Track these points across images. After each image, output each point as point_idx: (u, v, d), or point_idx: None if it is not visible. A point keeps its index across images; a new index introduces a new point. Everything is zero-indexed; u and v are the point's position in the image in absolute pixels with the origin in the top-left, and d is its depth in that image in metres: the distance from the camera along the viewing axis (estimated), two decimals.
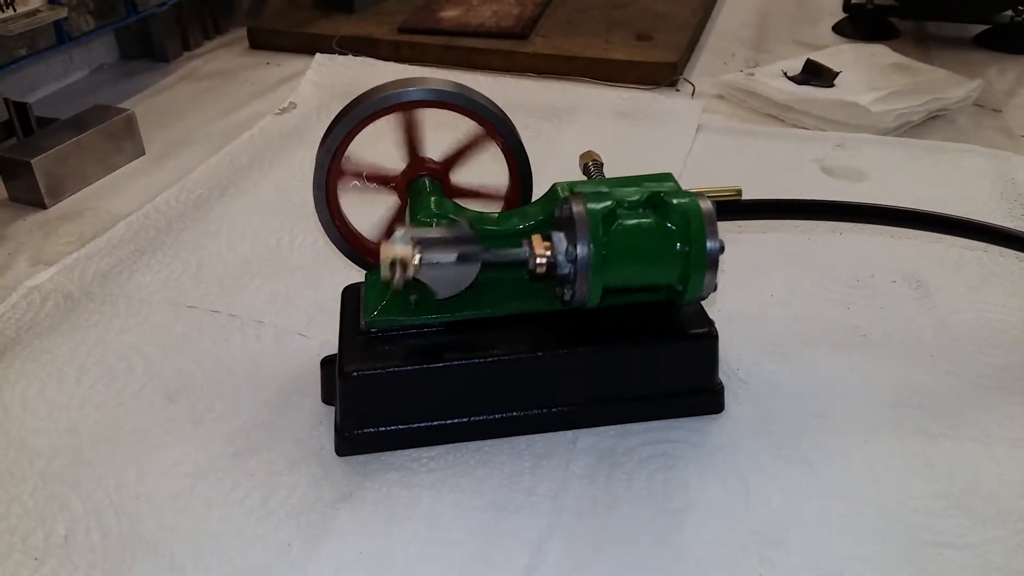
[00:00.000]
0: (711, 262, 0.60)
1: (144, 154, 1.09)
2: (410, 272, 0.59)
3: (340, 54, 1.30)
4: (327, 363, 0.66)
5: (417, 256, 0.59)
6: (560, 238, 0.59)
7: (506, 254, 0.61)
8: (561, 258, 0.59)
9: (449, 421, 0.63)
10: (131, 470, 0.61)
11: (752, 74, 1.18)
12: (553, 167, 0.74)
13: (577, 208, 0.60)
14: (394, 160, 0.68)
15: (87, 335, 0.75)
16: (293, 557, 0.55)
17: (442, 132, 0.70)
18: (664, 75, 1.22)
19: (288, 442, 0.63)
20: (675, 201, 0.61)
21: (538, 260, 0.59)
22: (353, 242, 0.70)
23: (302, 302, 0.77)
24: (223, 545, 0.56)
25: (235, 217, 0.91)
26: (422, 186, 0.68)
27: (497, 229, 0.65)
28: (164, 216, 0.92)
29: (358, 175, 0.68)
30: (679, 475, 0.61)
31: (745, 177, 0.77)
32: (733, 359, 0.70)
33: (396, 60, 1.29)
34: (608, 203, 0.60)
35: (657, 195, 0.62)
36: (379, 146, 0.68)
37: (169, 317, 0.77)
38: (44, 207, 0.99)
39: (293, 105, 1.13)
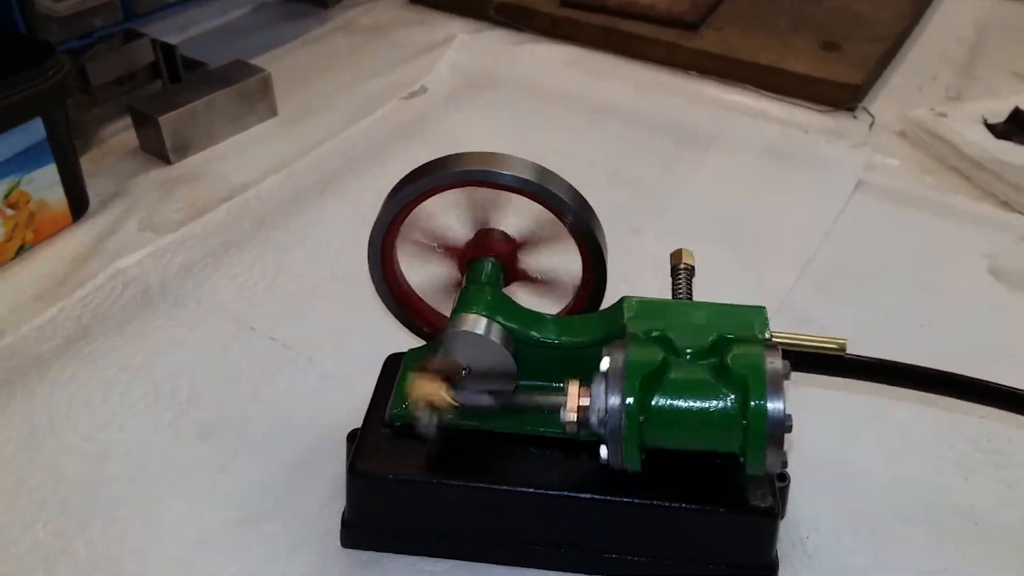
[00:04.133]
0: (772, 437, 0.50)
1: (276, 116, 1.07)
2: (444, 414, 0.54)
3: (495, 22, 1.23)
4: (351, 439, 0.62)
5: (448, 397, 0.54)
6: (600, 392, 0.52)
7: (540, 401, 0.55)
8: (595, 418, 0.51)
9: (461, 540, 0.59)
10: (141, 518, 0.61)
11: (944, 114, 1.01)
12: (675, 211, 0.65)
13: (615, 360, 0.52)
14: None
15: (148, 341, 0.75)
16: None
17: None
18: (843, 98, 1.07)
19: (297, 517, 0.61)
20: (737, 352, 0.52)
21: (569, 417, 0.52)
22: (407, 305, 0.65)
23: (359, 344, 0.73)
24: None
25: (325, 223, 0.88)
26: (482, 270, 0.61)
27: (543, 340, 0.58)
28: (264, 205, 0.90)
29: (420, 239, 0.63)
30: None
31: (894, 265, 0.65)
32: (806, 521, 0.61)
33: (552, 36, 1.21)
34: (656, 356, 0.52)
35: (725, 340, 0.53)
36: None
37: (229, 335, 0.76)
38: (168, 162, 1.00)
39: (424, 89, 1.07)
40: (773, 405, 0.50)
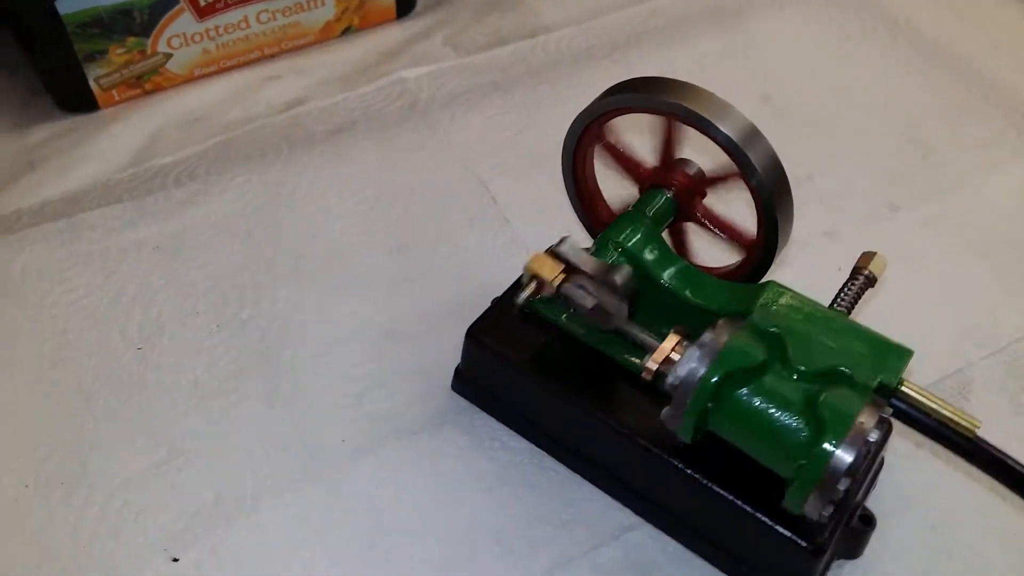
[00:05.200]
0: (822, 484, 0.48)
1: None
2: (544, 292, 0.57)
3: None
4: (494, 304, 0.67)
5: (556, 283, 0.56)
6: (689, 357, 0.52)
7: (638, 337, 0.55)
8: (671, 377, 0.52)
9: (537, 429, 0.63)
10: (316, 298, 0.73)
11: None
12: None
13: (718, 337, 0.51)
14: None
15: (389, 154, 0.83)
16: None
17: None
18: None
19: (433, 348, 0.68)
20: (840, 393, 0.49)
21: (650, 364, 0.53)
22: (587, 201, 0.67)
23: (558, 223, 0.76)
24: None
25: (592, 91, 0.90)
26: (653, 200, 0.61)
27: (669, 288, 0.58)
28: (548, 56, 0.93)
29: (612, 147, 0.63)
30: None
31: None
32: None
33: None
34: (758, 356, 0.50)
35: (839, 374, 0.50)
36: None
37: (453, 174, 0.82)
38: None
39: None
40: (840, 457, 0.48)
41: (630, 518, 0.61)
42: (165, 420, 0.65)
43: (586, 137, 0.64)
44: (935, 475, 0.64)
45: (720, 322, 0.53)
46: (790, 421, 0.50)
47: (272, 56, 0.94)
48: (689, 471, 0.56)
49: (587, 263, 0.56)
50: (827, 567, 0.58)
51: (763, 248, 0.60)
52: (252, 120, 0.87)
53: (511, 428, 0.65)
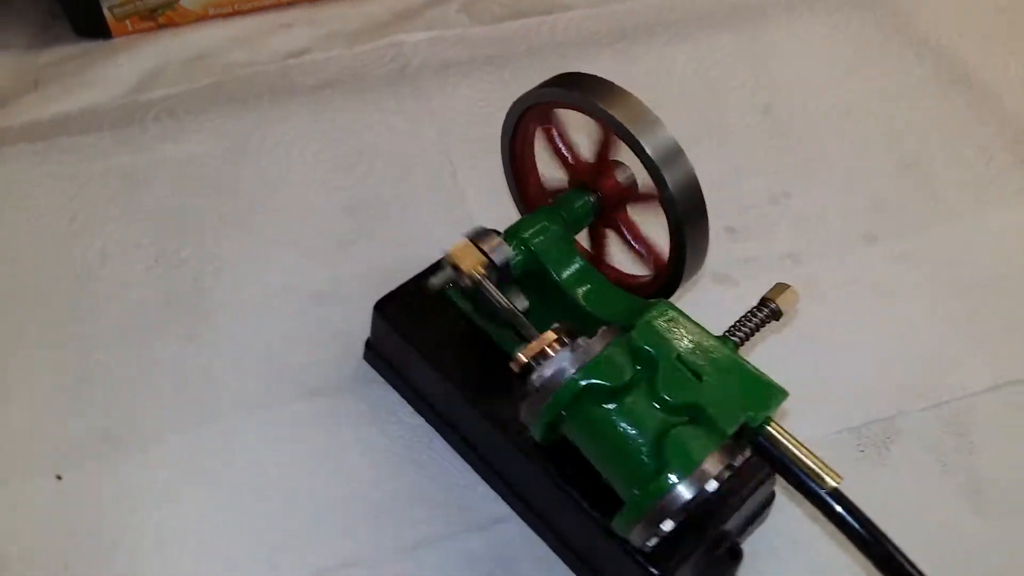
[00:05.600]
0: (652, 514, 0.47)
1: None
2: (460, 281, 0.57)
3: None
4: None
5: (476, 276, 0.55)
6: (565, 357, 0.51)
7: (518, 327, 0.54)
8: (536, 375, 0.51)
9: (430, 407, 0.64)
10: (258, 247, 0.74)
11: None
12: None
13: (592, 346, 0.50)
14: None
15: (369, 114, 0.83)
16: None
17: None
18: None
19: (358, 314, 0.68)
20: (695, 433, 0.48)
21: (519, 357, 0.52)
22: (521, 179, 0.66)
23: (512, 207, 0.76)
24: None
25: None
26: (576, 200, 0.60)
27: (560, 285, 0.57)
28: (551, 35, 0.92)
29: (550, 135, 0.62)
30: None
31: None
32: None
33: None
34: (625, 375, 0.49)
35: (701, 411, 0.49)
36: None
37: (428, 141, 0.82)
38: None
39: None
40: (672, 497, 0.47)
41: (504, 511, 0.61)
42: (83, 346, 0.67)
43: (524, 121, 0.62)
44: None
45: (602, 330, 0.52)
46: (637, 448, 0.48)
47: (291, 4, 0.95)
48: (551, 473, 0.55)
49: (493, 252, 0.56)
50: None
51: (671, 271, 0.59)
52: (250, 65, 0.88)
53: (410, 405, 0.65)
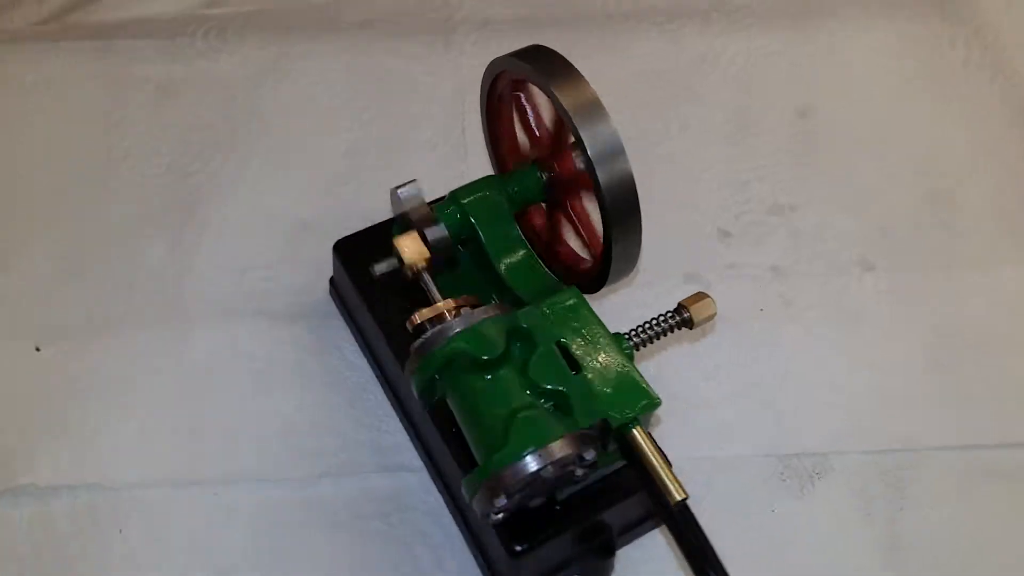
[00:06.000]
0: (492, 485, 0.48)
1: None
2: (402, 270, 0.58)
3: None
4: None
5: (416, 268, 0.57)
6: (454, 325, 0.52)
7: (432, 292, 0.56)
8: (423, 336, 0.52)
9: (371, 351, 0.67)
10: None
11: None
12: None
13: (476, 315, 0.52)
14: None
15: (354, 59, 0.86)
16: None
17: None
18: None
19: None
20: (550, 420, 0.49)
21: (413, 318, 0.53)
22: (497, 148, 0.67)
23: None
24: None
25: None
26: (525, 177, 0.61)
27: (488, 257, 0.59)
28: (600, 5, 0.91)
29: (519, 104, 0.62)
30: None
31: None
32: None
33: None
34: (498, 348, 0.50)
35: (565, 401, 0.50)
36: None
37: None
38: None
39: None
40: (516, 465, 0.48)
41: (413, 461, 0.64)
42: (83, 234, 0.74)
43: (499, 86, 0.63)
44: None
45: (492, 304, 0.54)
46: (493, 421, 0.50)
47: None
48: (445, 432, 0.57)
49: (413, 210, 0.58)
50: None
51: (600, 267, 0.59)
52: None
53: (357, 344, 0.69)
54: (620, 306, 0.69)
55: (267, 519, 0.61)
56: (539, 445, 0.48)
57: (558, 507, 0.55)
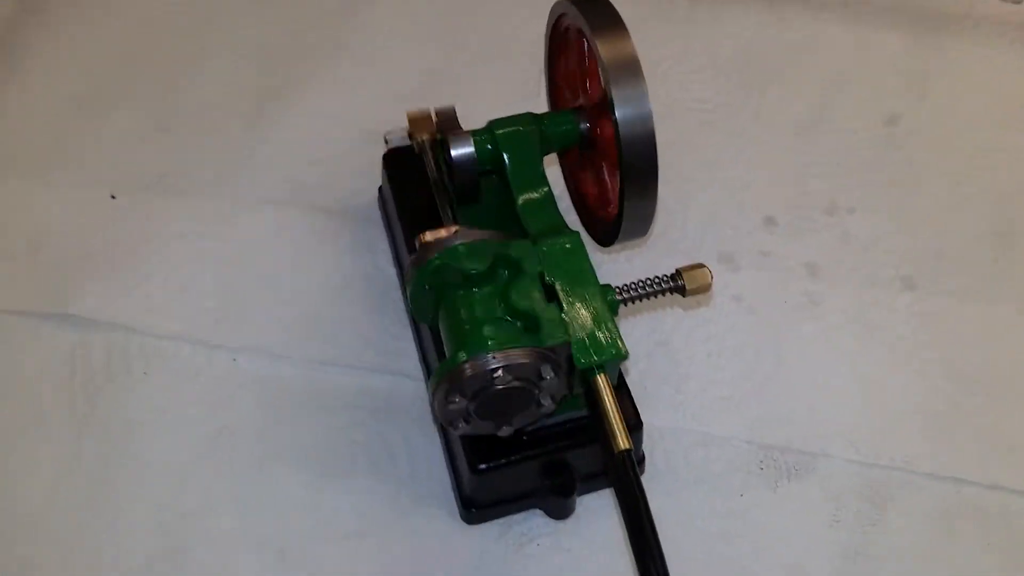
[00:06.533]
0: (443, 385, 0.51)
1: None
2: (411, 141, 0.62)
3: None
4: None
5: (420, 139, 0.60)
6: (446, 243, 0.55)
7: (445, 212, 0.59)
8: (428, 254, 0.55)
9: (398, 261, 0.71)
10: None
11: None
12: None
13: (476, 234, 0.55)
14: None
15: None
16: None
17: None
18: None
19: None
20: (514, 328, 0.52)
21: (425, 235, 0.56)
22: (553, 83, 0.69)
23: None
24: None
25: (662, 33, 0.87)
26: (563, 120, 0.63)
27: (510, 188, 0.61)
28: None
29: (579, 48, 0.64)
30: None
31: None
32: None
33: None
34: (469, 267, 0.53)
35: (533, 323, 0.52)
36: None
37: None
38: None
39: None
40: (474, 362, 0.50)
41: (413, 370, 0.67)
42: (173, 103, 0.81)
43: (560, 27, 0.65)
44: None
45: (495, 232, 0.56)
46: (463, 325, 0.53)
47: None
48: (433, 341, 0.61)
49: (449, 132, 0.60)
50: (510, 502, 0.61)
51: (613, 223, 0.61)
52: None
53: (391, 253, 0.72)
54: (641, 268, 0.71)
55: (271, 391, 0.66)
56: (500, 348, 0.51)
57: (525, 438, 0.59)
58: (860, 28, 0.87)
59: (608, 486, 0.63)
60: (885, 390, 0.68)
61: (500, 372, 0.51)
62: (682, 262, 0.70)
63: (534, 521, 0.62)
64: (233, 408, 0.66)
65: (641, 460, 0.63)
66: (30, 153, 0.77)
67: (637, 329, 0.69)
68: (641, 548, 0.48)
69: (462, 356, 0.51)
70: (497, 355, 0.51)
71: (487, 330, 0.52)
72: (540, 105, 0.79)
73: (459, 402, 0.52)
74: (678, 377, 0.67)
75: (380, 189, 0.74)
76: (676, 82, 0.83)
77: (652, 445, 0.64)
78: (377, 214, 0.74)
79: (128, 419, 0.65)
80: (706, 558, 0.61)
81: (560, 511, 0.62)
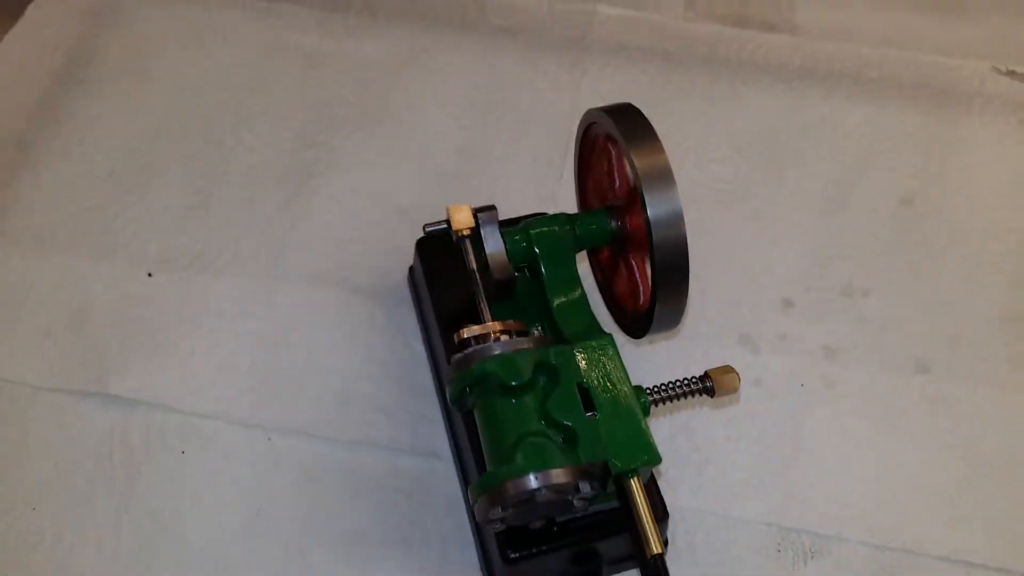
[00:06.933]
0: (490, 497, 0.53)
1: None
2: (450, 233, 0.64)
3: None
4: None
5: (460, 234, 0.63)
6: (492, 348, 0.57)
7: (483, 309, 0.61)
8: (462, 352, 0.58)
9: (428, 335, 0.74)
10: None
11: None
12: None
13: (516, 344, 0.57)
14: None
15: (478, 63, 0.90)
16: None
17: None
18: None
19: None
20: (555, 445, 0.54)
21: (464, 331, 0.59)
22: (583, 184, 0.71)
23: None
24: None
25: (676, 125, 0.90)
26: (595, 220, 0.65)
27: (542, 287, 0.64)
28: (740, 55, 0.93)
29: (608, 152, 0.66)
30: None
31: None
32: None
33: None
34: (514, 378, 0.55)
35: (573, 436, 0.54)
36: None
37: None
38: None
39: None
40: (516, 482, 0.52)
41: (444, 451, 0.70)
42: (209, 180, 0.83)
43: (591, 132, 0.68)
44: None
45: (535, 334, 0.59)
46: (507, 440, 0.55)
47: None
48: (467, 430, 0.63)
49: (485, 233, 0.63)
50: None
51: (645, 319, 0.63)
52: None
53: (420, 333, 0.75)
54: (665, 352, 0.74)
55: (307, 471, 0.69)
56: (541, 468, 0.53)
57: (556, 528, 0.61)
58: (875, 107, 0.90)
59: (634, 567, 0.65)
60: (898, 472, 0.70)
61: (545, 490, 0.53)
62: (703, 346, 0.74)
63: None
64: (269, 488, 0.68)
65: (665, 543, 0.65)
66: (70, 228, 0.80)
67: (659, 414, 0.71)
68: None
69: (504, 473, 0.53)
70: (538, 475, 0.53)
71: (527, 448, 0.54)
72: (564, 185, 0.83)
73: (499, 512, 0.54)
74: (698, 460, 0.69)
75: (411, 269, 0.76)
76: (695, 162, 0.86)
77: (674, 527, 0.66)
78: (406, 294, 0.77)
79: (166, 499, 0.67)
80: None
81: None
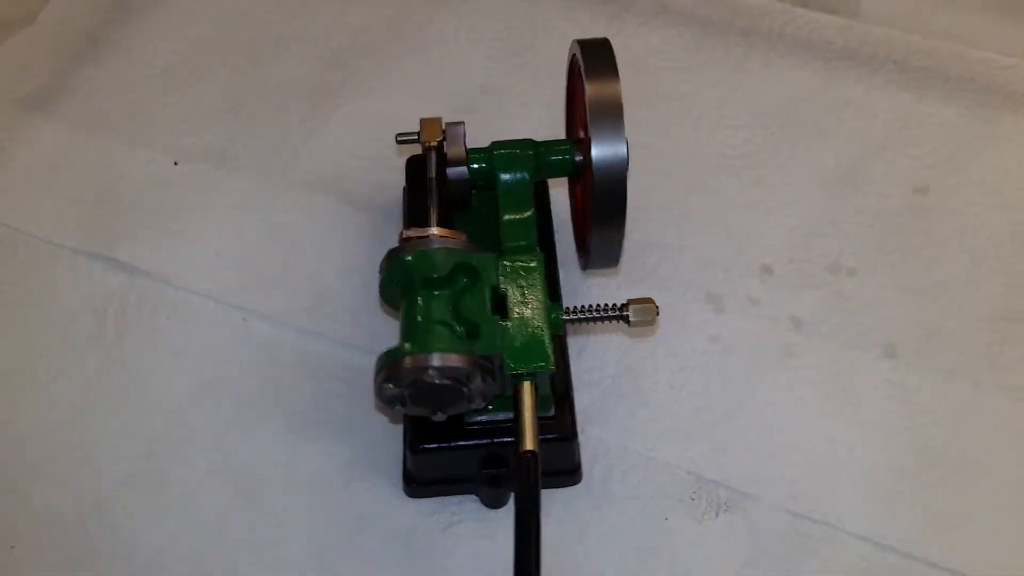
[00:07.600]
0: (382, 373, 0.56)
1: None
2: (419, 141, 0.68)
3: None
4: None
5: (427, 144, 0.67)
6: (422, 244, 0.61)
7: (432, 213, 0.65)
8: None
9: None
10: None
11: None
12: None
13: (453, 243, 0.60)
14: None
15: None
16: None
17: None
18: None
19: None
20: (454, 332, 0.56)
21: (408, 230, 0.62)
22: (569, 113, 0.74)
23: None
24: None
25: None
26: (559, 149, 0.67)
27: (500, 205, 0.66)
28: (784, 31, 0.92)
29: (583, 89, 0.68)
30: None
31: None
32: None
33: None
34: (430, 271, 0.58)
35: (477, 331, 0.57)
36: None
37: None
38: None
39: None
40: (414, 358, 0.56)
41: None
42: (246, 85, 0.90)
43: (574, 63, 0.69)
44: None
45: (464, 240, 0.62)
46: (414, 323, 0.59)
47: None
48: None
49: (448, 144, 0.66)
50: (447, 484, 0.66)
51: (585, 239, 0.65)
52: None
53: None
54: (624, 296, 0.74)
55: (269, 352, 0.74)
56: (437, 350, 0.56)
57: (469, 429, 0.64)
58: (912, 95, 0.87)
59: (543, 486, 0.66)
60: (839, 448, 0.69)
61: (433, 370, 0.56)
62: (670, 298, 0.75)
63: (468, 505, 0.67)
64: (233, 363, 0.74)
65: (576, 468, 0.67)
66: (116, 115, 0.88)
67: (609, 351, 0.73)
68: (522, 546, 0.53)
69: (406, 348, 0.57)
70: (436, 355, 0.56)
71: (428, 332, 0.57)
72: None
73: (393, 388, 0.57)
74: (636, 402, 0.70)
75: (404, 189, 0.80)
76: (710, 125, 0.86)
77: (593, 458, 0.68)
78: (399, 210, 0.81)
79: (142, 354, 0.74)
80: (615, 572, 0.64)
81: (493, 501, 0.66)
